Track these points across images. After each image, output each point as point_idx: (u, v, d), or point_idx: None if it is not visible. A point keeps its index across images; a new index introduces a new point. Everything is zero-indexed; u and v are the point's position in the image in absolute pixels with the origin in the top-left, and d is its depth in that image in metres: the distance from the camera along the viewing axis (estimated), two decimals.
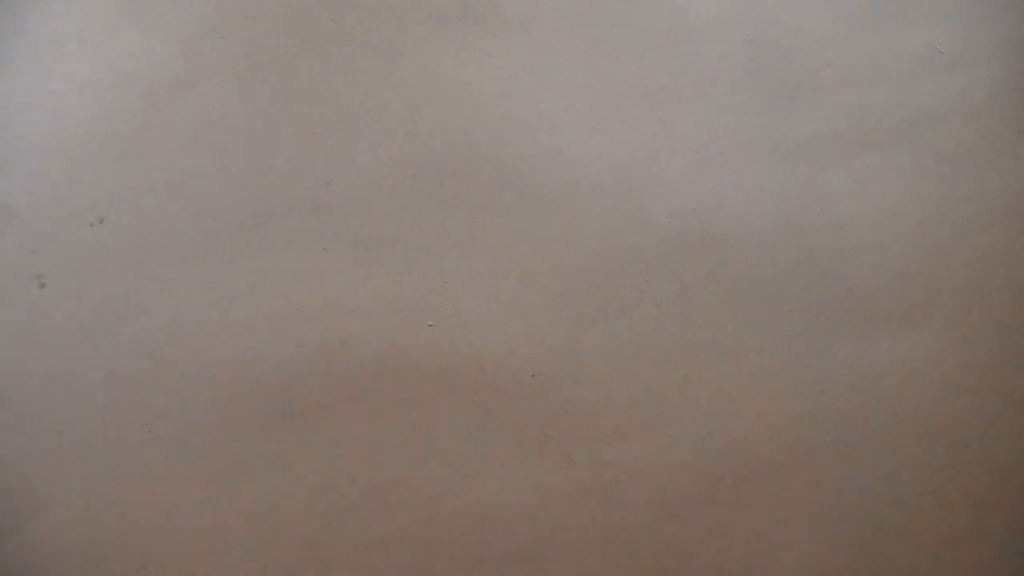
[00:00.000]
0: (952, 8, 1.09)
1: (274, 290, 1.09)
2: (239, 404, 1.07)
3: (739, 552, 1.03)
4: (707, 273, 1.09)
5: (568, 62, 1.06)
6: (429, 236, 1.11)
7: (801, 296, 1.07)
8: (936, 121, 1.06)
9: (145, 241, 1.06)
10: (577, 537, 1.04)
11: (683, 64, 1.06)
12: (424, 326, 1.09)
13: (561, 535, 1.04)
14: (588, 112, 1.11)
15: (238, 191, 1.11)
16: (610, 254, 1.10)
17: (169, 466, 1.02)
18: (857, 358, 1.05)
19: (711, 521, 1.04)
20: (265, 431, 1.07)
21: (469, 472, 1.05)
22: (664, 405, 1.07)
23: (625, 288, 1.10)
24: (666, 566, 1.02)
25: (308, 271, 1.10)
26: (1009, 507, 1.02)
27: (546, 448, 1.07)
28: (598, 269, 1.10)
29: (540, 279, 1.10)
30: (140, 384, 1.05)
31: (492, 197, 1.11)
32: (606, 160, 1.11)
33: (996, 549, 1.01)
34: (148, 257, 1.05)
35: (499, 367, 1.08)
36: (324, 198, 1.11)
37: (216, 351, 1.08)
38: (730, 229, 1.09)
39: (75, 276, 1.07)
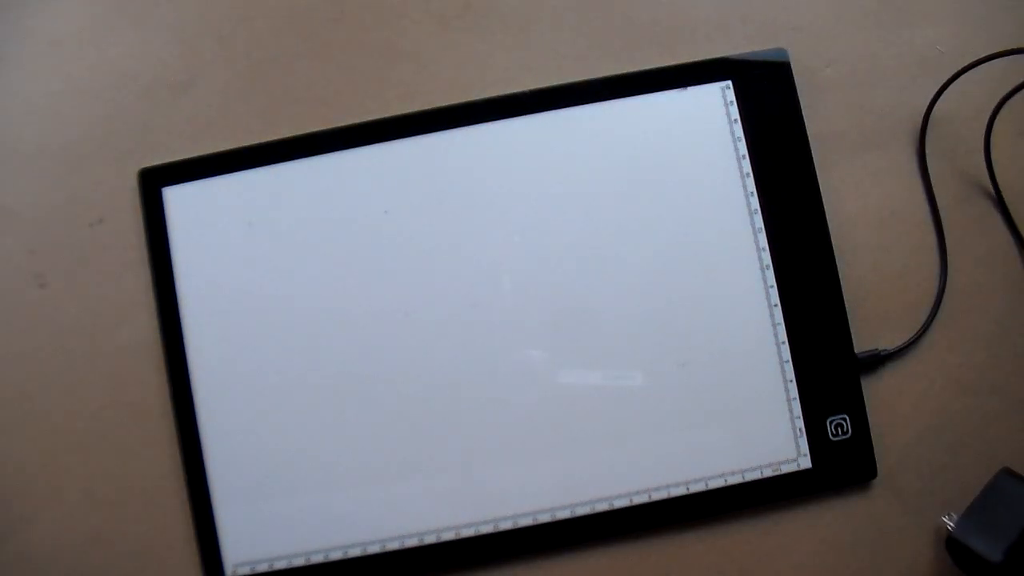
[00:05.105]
0: (952, 8, 1.08)
1: None
2: None
3: (739, 552, 1.03)
4: None
5: (569, 62, 1.06)
6: None
7: None
8: (936, 121, 1.06)
9: (145, 241, 1.05)
10: None
11: (683, 64, 1.05)
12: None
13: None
14: None
15: None
16: None
17: (169, 466, 1.02)
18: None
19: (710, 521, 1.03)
20: None
21: None
22: None
23: None
24: (666, 566, 1.02)
25: None
26: None
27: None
28: None
29: None
30: (140, 384, 1.04)
31: None
32: None
33: None
34: (148, 257, 1.05)
35: None
36: None
37: None
38: None
39: (75, 276, 1.07)
